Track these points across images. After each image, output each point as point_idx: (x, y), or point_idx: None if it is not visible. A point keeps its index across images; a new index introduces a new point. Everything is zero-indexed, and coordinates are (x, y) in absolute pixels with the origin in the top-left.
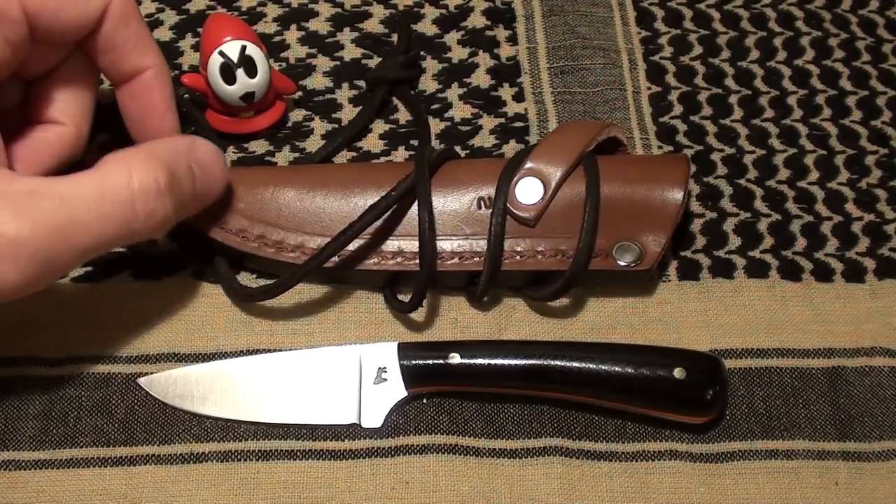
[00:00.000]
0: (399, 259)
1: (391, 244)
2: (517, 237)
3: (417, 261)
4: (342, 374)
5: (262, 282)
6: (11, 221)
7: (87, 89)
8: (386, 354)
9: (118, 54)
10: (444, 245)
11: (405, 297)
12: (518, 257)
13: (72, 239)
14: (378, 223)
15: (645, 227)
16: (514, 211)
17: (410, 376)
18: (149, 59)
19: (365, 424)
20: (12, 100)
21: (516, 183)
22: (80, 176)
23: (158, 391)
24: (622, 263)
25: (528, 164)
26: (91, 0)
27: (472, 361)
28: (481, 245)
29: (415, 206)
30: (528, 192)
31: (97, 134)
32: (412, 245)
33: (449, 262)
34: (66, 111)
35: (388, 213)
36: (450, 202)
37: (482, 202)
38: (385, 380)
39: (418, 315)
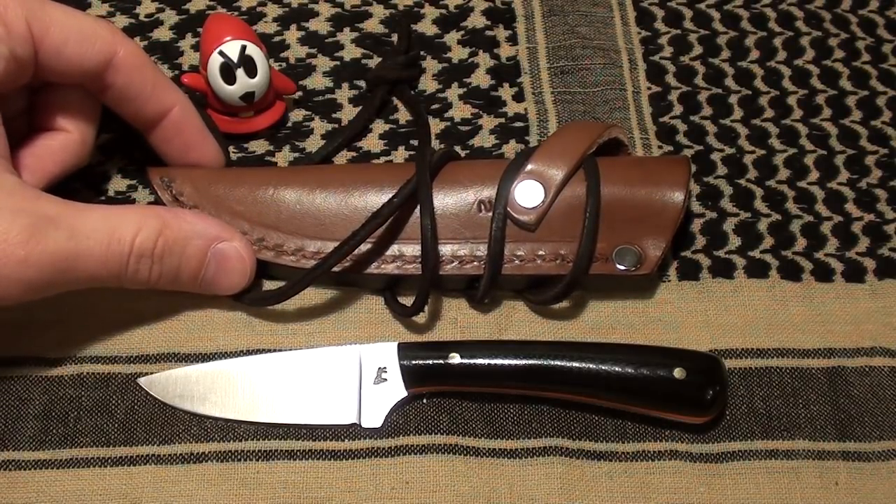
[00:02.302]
0: (399, 263)
1: (392, 248)
2: (517, 241)
3: (417, 264)
4: (342, 374)
5: (262, 283)
6: (24, 244)
7: (93, 97)
8: (386, 354)
9: (139, 102)
10: (444, 249)
11: (406, 300)
12: (518, 261)
13: (71, 272)
14: (380, 228)
15: (645, 230)
16: (515, 215)
17: (410, 376)
18: (170, 99)
19: (365, 424)
20: (16, 107)
21: (517, 186)
22: (96, 214)
23: (158, 391)
24: (622, 268)
25: (529, 167)
26: (95, 43)
27: (472, 361)
28: (481, 249)
29: (416, 211)
30: (528, 195)
31: (97, 134)
32: (412, 249)
33: (449, 266)
34: (71, 119)
35: (391, 219)
36: (450, 205)
37: (482, 205)
38: (385, 380)
39: (418, 316)
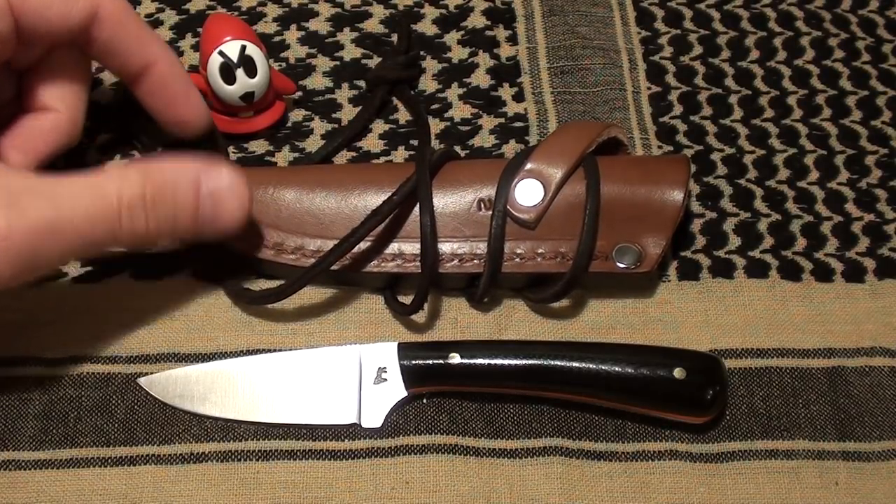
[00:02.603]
0: (399, 261)
1: (391, 246)
2: (517, 239)
3: (417, 263)
4: (342, 374)
5: (262, 283)
6: (3, 217)
7: (81, 75)
8: (386, 354)
9: (123, 56)
10: (443, 247)
11: (405, 299)
12: (518, 259)
13: (58, 236)
14: (379, 226)
15: (645, 228)
16: (514, 213)
17: (410, 376)
18: (154, 53)
19: (365, 424)
20: (6, 94)
21: (516, 185)
22: (75, 178)
23: (158, 391)
24: (622, 266)
25: (529, 166)
26: (77, 1)
27: (471, 361)
28: (481, 247)
29: (415, 210)
30: (528, 193)
31: (98, 134)
32: (412, 247)
33: (449, 265)
34: (60, 97)
35: (390, 217)
36: (450, 203)
37: (482, 203)
38: (385, 380)
39: (418, 315)
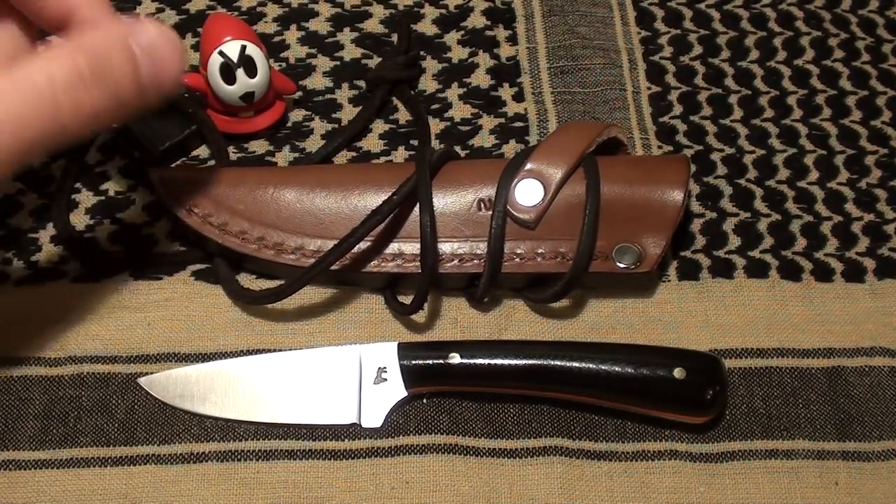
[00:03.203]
0: (399, 261)
1: (392, 246)
2: (517, 239)
3: (417, 263)
4: (342, 373)
5: (262, 283)
6: None
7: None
8: (386, 354)
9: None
10: (443, 247)
11: (405, 299)
12: (518, 259)
13: None
14: (380, 226)
15: (645, 228)
16: (514, 213)
17: (410, 376)
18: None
19: (365, 424)
20: None
21: (516, 185)
22: (4, 65)
23: (158, 391)
24: (622, 266)
25: (529, 166)
26: None
27: (472, 361)
28: (481, 247)
29: (415, 210)
30: (528, 193)
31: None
32: (412, 247)
33: (449, 265)
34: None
35: (390, 217)
36: (450, 203)
37: (482, 203)
38: (385, 380)
39: (418, 315)
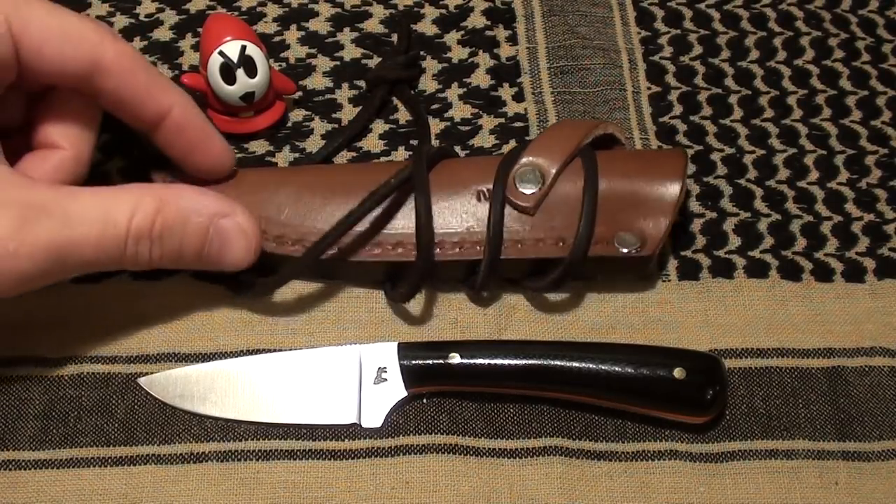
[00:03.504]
0: (400, 250)
1: (392, 235)
2: (517, 226)
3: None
4: (342, 373)
5: (262, 282)
6: (14, 236)
7: (89, 115)
8: (386, 354)
9: (133, 107)
10: (443, 236)
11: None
12: (518, 245)
13: (65, 259)
14: (378, 213)
15: (645, 215)
16: (513, 199)
17: (410, 376)
18: (168, 100)
19: (365, 424)
20: (13, 116)
21: (514, 173)
22: (90, 198)
23: (158, 391)
24: (623, 250)
25: (526, 158)
26: (80, 45)
27: (472, 361)
28: (481, 234)
29: (413, 198)
30: (526, 182)
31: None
32: (412, 236)
33: (450, 252)
34: (66, 136)
35: (388, 202)
36: (450, 197)
37: (481, 195)
38: (385, 380)
39: (418, 315)
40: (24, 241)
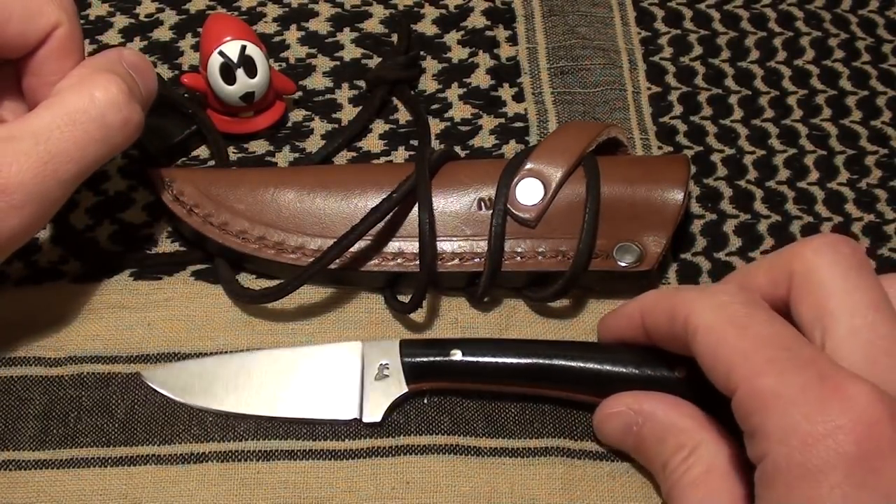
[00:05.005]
0: (399, 260)
1: (392, 245)
2: (518, 238)
3: (417, 262)
4: (344, 369)
5: (263, 282)
6: None
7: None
8: (388, 351)
9: (42, 82)
10: (444, 246)
11: (405, 298)
12: (518, 258)
13: (57, 171)
14: (379, 225)
15: (645, 227)
16: (515, 212)
17: (412, 372)
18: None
19: (366, 419)
20: None
21: (517, 184)
22: (42, 110)
23: (160, 384)
24: (623, 264)
25: (529, 165)
26: (39, 20)
27: (473, 359)
28: (482, 246)
29: (415, 209)
30: (528, 192)
31: None
32: (413, 246)
33: (449, 263)
34: (12, 110)
35: (390, 215)
36: (450, 203)
37: (482, 203)
38: (387, 376)
39: (419, 315)
40: (7, 174)
